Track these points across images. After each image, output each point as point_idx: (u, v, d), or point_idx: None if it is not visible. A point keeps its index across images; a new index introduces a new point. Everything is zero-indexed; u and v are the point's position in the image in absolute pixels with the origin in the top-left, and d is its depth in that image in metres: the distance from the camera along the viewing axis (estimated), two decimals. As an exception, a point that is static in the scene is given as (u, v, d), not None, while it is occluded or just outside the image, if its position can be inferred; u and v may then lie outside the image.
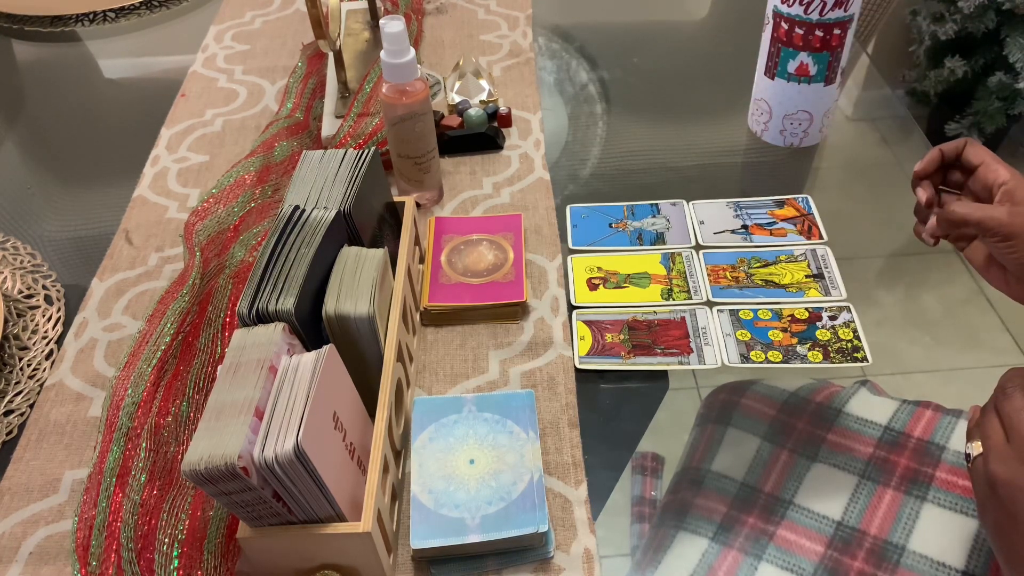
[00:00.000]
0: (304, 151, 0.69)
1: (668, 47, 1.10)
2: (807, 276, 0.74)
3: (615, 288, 0.74)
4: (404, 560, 0.56)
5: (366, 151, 0.67)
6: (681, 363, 0.67)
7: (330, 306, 0.57)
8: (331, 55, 0.95)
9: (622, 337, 0.70)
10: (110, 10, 1.17)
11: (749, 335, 0.69)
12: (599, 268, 0.76)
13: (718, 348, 0.68)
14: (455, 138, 0.89)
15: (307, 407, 0.48)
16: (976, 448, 0.49)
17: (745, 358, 0.67)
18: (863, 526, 0.56)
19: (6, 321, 0.73)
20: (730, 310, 0.72)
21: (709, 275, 0.75)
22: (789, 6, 0.81)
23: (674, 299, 0.73)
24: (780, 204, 0.83)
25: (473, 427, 0.60)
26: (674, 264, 0.76)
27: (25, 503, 0.61)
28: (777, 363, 0.67)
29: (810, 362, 0.67)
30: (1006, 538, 0.46)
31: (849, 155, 0.91)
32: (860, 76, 1.04)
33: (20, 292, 0.77)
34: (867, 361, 0.67)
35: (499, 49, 1.06)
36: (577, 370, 0.68)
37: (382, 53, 0.73)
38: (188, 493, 0.58)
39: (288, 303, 0.54)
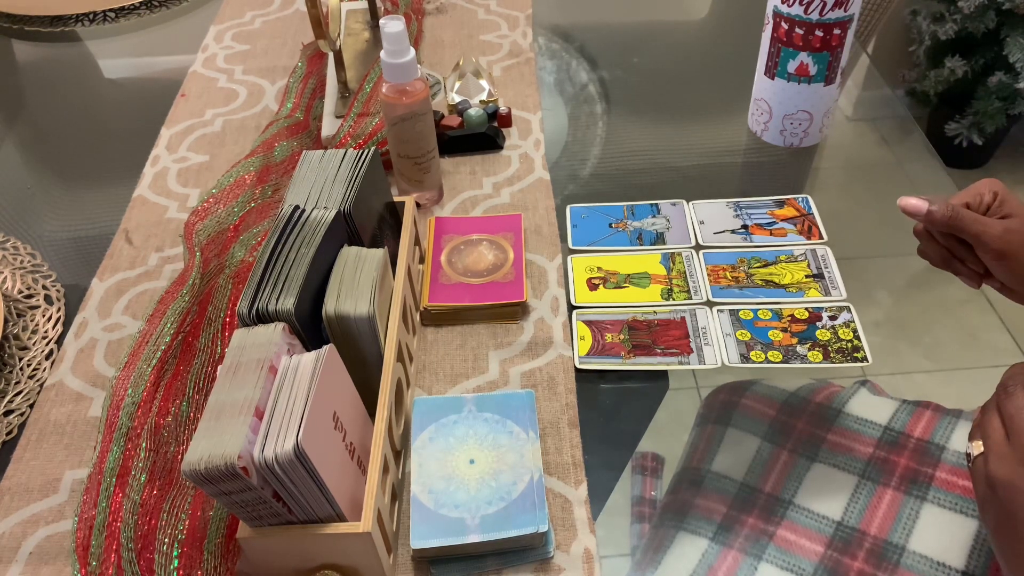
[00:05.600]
0: (304, 151, 0.69)
1: (668, 47, 1.10)
2: (807, 276, 0.74)
3: (615, 288, 0.74)
4: (404, 560, 0.56)
5: (366, 151, 0.67)
6: (681, 363, 0.67)
7: (330, 306, 0.57)
8: (331, 55, 0.95)
9: (622, 337, 0.70)
10: (110, 10, 1.17)
11: (749, 335, 0.69)
12: (599, 268, 0.76)
13: (718, 348, 0.68)
14: (455, 138, 0.89)
15: (307, 407, 0.48)
16: (977, 447, 0.49)
17: (745, 358, 0.67)
18: (863, 526, 0.56)
19: (6, 321, 0.73)
20: (730, 310, 0.72)
21: (709, 275, 0.75)
22: (789, 6, 0.81)
23: (674, 299, 0.73)
24: (780, 204, 0.83)
25: (473, 427, 0.60)
26: (674, 264, 0.76)
27: (25, 503, 0.61)
28: (777, 363, 0.67)
29: (810, 362, 0.67)
30: (1006, 538, 0.46)
31: (849, 155, 0.91)
32: (860, 76, 1.04)
33: (20, 292, 0.77)
34: (867, 361, 0.67)
35: (499, 49, 1.06)
36: (577, 370, 0.68)
37: (382, 53, 0.73)
38: (188, 493, 0.58)
39: (288, 303, 0.54)
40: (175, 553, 0.54)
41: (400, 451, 0.61)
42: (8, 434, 0.65)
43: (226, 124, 0.96)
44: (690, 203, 0.83)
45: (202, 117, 0.97)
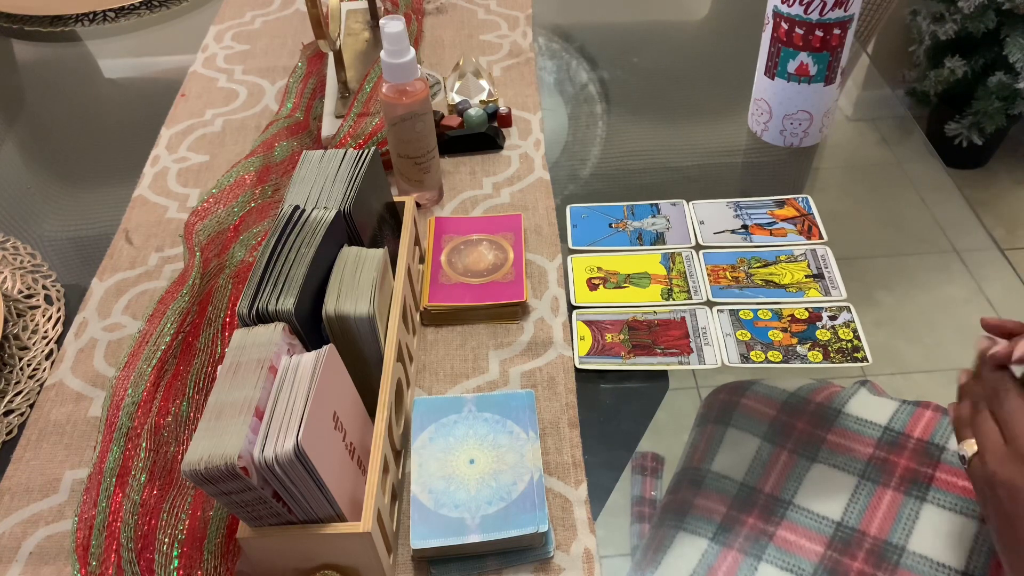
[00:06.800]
0: (304, 151, 0.69)
1: (668, 47, 1.10)
2: (807, 276, 0.74)
3: (615, 288, 0.74)
4: (404, 560, 0.56)
5: (366, 151, 0.67)
6: (681, 363, 0.67)
7: (330, 306, 0.57)
8: (331, 55, 0.95)
9: (622, 337, 0.70)
10: (110, 10, 1.17)
11: (749, 335, 0.69)
12: (599, 268, 0.76)
13: (718, 348, 0.68)
14: (455, 138, 0.89)
15: (307, 407, 0.48)
16: (970, 447, 0.49)
17: (745, 358, 0.67)
18: (863, 526, 0.56)
19: (6, 321, 0.73)
20: (730, 310, 0.72)
21: (709, 275, 0.75)
22: (789, 6, 0.81)
23: (674, 299, 0.73)
24: (780, 204, 0.83)
25: (473, 427, 0.60)
26: (674, 264, 0.76)
27: (25, 503, 0.61)
28: (777, 363, 0.67)
29: (810, 362, 0.67)
30: (1007, 538, 0.46)
31: (849, 155, 0.91)
32: (860, 76, 1.04)
33: (20, 292, 0.77)
34: (867, 361, 0.67)
35: (499, 49, 1.06)
36: (577, 370, 0.68)
37: (382, 53, 0.73)
38: (188, 493, 0.58)
39: (288, 303, 0.54)
40: (175, 553, 0.54)
41: (400, 451, 0.61)
42: (8, 434, 0.65)
43: (226, 124, 0.96)
44: (690, 203, 0.83)
45: (202, 117, 0.97)
